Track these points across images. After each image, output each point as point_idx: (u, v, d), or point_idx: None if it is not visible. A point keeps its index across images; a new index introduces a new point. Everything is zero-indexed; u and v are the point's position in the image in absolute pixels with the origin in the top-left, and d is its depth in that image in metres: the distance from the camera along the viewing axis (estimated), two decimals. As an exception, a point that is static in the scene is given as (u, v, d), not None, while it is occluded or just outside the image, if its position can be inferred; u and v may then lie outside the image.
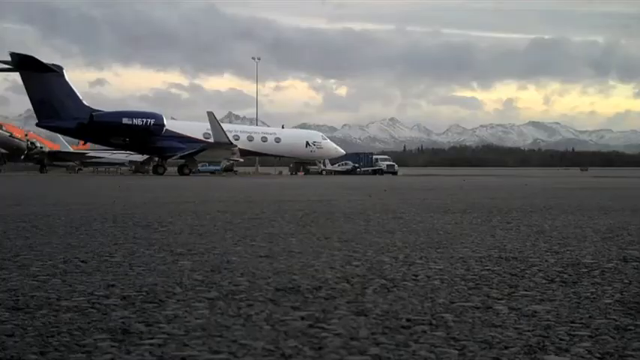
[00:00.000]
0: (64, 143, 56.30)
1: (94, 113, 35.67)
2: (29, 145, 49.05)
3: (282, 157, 44.09)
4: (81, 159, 58.19)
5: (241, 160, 42.89)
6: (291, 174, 50.41)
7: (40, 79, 34.93)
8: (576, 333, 1.71)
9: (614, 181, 22.70)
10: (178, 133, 38.54)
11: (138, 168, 46.34)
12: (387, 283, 2.42)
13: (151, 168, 41.04)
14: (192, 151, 37.57)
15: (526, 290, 2.28)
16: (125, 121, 35.66)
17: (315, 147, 43.24)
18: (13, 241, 3.73)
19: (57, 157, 53.83)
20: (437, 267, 2.81)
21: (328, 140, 45.81)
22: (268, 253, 3.26)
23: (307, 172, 49.32)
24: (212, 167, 45.58)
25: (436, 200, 8.84)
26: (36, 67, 34.95)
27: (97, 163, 61.51)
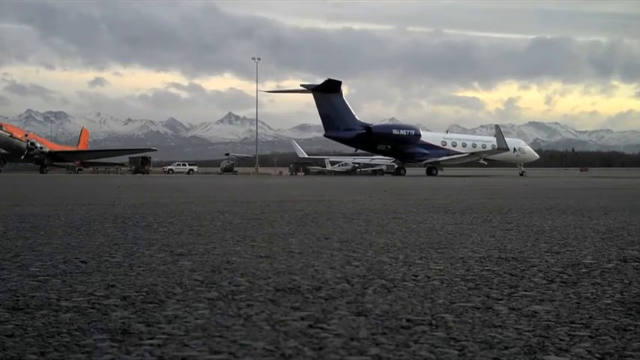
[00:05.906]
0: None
1: (371, 126, 44.01)
2: (29, 145, 49.09)
3: (494, 160, 49.41)
4: (81, 159, 58.19)
5: (485, 163, 48.46)
6: (291, 174, 50.60)
7: (329, 98, 42.09)
8: (576, 333, 1.71)
9: (614, 181, 22.69)
10: (425, 142, 45.14)
11: (138, 169, 46.92)
12: (387, 283, 2.41)
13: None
14: (447, 158, 44.87)
15: (526, 291, 2.28)
16: (395, 132, 43.63)
17: (519, 152, 48.67)
18: (13, 241, 3.73)
19: (57, 157, 53.83)
20: (437, 267, 2.81)
21: (528, 146, 51.81)
22: (268, 253, 3.26)
23: (307, 172, 49.93)
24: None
25: (436, 200, 8.84)
26: (329, 89, 41.97)
27: (97, 164, 61.53)
